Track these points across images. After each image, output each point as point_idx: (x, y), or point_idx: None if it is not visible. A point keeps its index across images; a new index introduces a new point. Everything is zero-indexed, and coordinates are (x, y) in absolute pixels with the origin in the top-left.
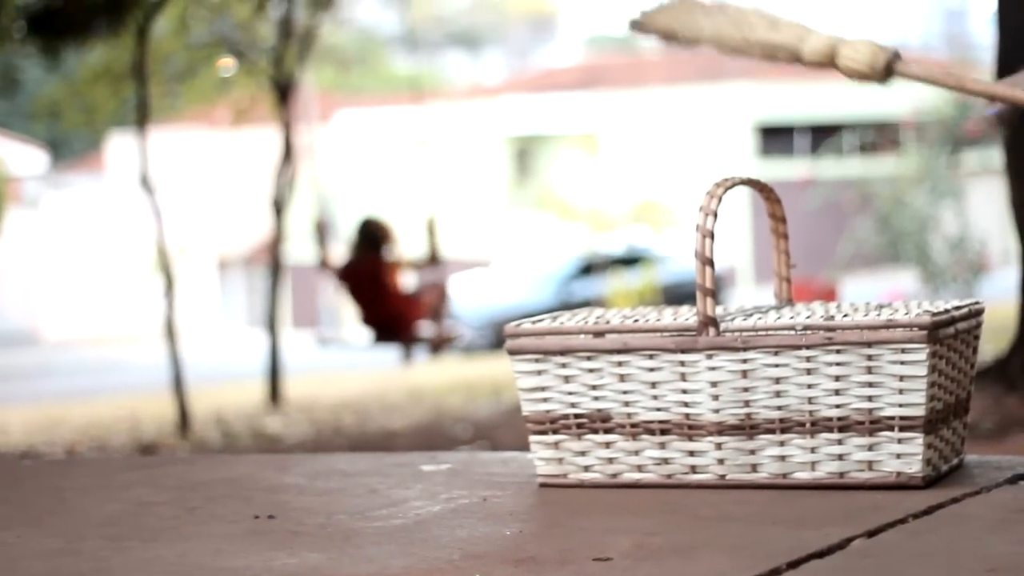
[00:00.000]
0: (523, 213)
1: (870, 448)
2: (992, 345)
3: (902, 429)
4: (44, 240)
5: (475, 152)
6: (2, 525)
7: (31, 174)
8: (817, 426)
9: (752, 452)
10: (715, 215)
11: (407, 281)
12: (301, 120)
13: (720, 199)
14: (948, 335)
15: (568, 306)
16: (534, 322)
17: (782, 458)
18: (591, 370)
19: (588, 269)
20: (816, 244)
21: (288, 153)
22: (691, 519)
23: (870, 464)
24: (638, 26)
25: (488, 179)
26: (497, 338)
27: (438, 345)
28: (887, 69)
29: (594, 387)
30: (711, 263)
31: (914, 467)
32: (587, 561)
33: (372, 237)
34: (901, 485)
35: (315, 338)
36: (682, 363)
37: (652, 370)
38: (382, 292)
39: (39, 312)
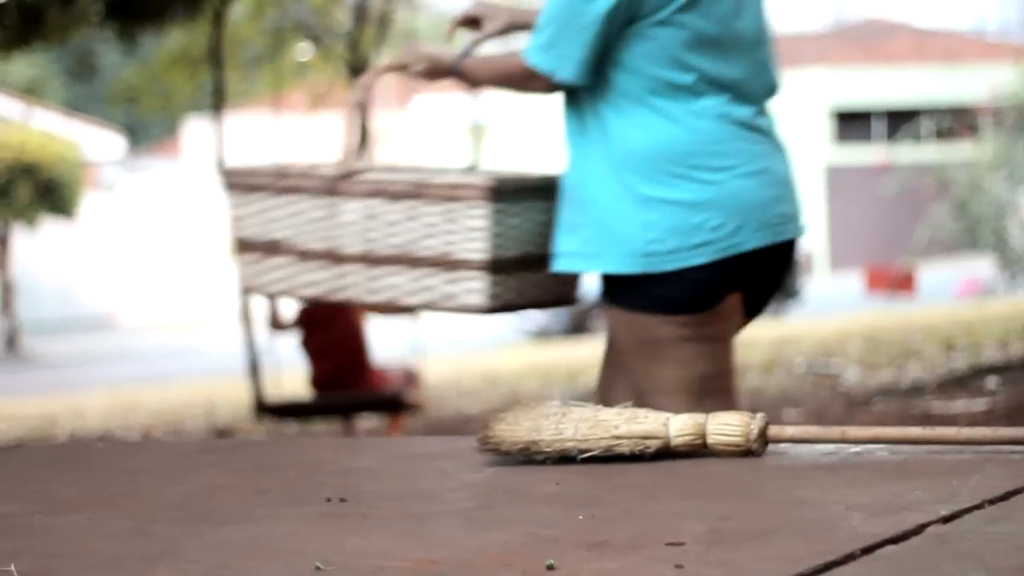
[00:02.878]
0: None
1: (451, 283)
2: None
3: (473, 268)
4: (121, 225)
5: (550, 135)
6: (74, 507)
7: (108, 159)
8: (420, 261)
9: (374, 279)
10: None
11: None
12: (377, 105)
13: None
14: (514, 198)
15: None
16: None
17: (394, 286)
18: (276, 206)
19: None
20: (893, 230)
21: (364, 137)
22: (765, 504)
23: (451, 296)
24: (485, 444)
25: (554, 164)
26: (572, 323)
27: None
28: (762, 437)
29: (276, 219)
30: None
31: (479, 300)
32: (660, 546)
33: None
34: (468, 311)
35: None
36: (329, 204)
37: (313, 208)
38: (339, 336)
39: (115, 297)
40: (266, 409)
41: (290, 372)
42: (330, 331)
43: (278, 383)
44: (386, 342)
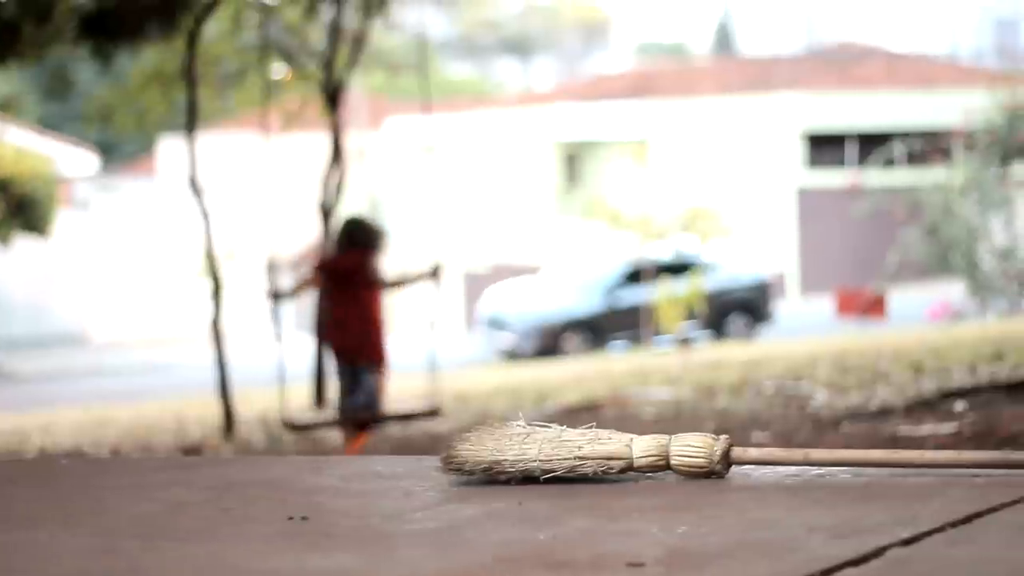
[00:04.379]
0: (572, 220)
1: None
2: None
3: None
4: (94, 242)
5: (525, 158)
6: (36, 523)
7: (82, 176)
8: None
9: None
10: None
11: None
12: (350, 124)
13: None
14: None
15: (615, 312)
16: None
17: None
18: None
19: (635, 276)
20: (865, 253)
21: (337, 157)
22: (726, 525)
23: None
24: (448, 464)
25: (537, 185)
26: (543, 345)
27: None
28: (725, 459)
29: None
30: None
31: None
32: (620, 567)
33: (363, 237)
34: None
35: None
36: None
37: None
38: (361, 298)
39: (88, 314)
40: (292, 427)
41: (258, 391)
42: (349, 289)
43: (248, 400)
44: (400, 355)
